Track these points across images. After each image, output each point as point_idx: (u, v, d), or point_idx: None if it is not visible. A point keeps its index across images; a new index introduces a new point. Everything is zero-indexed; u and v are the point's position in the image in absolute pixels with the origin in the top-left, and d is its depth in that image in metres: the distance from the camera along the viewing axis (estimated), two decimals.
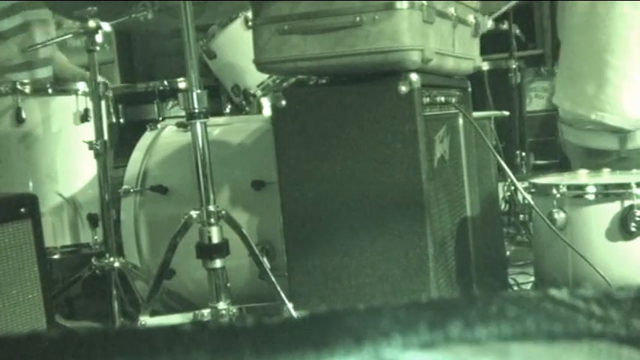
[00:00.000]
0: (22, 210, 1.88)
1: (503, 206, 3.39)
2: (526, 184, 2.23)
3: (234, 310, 1.93)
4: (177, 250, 1.96)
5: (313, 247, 1.85)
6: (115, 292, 2.37)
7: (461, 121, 2.17)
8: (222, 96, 3.35)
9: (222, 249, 1.92)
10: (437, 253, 1.83)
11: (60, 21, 3.46)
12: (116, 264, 2.41)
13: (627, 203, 1.94)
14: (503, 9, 3.45)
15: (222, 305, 1.92)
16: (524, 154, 3.86)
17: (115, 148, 3.02)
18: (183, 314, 2.07)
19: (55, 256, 2.76)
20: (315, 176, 1.84)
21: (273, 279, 1.95)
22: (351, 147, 1.81)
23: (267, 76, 3.00)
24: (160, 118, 3.05)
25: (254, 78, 3.06)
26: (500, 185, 2.94)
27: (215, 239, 1.90)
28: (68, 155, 2.79)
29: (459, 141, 2.17)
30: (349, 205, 1.81)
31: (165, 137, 2.56)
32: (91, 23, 2.41)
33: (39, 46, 3.09)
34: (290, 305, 1.90)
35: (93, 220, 2.74)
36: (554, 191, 2.02)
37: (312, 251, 1.85)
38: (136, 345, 0.31)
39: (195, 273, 2.18)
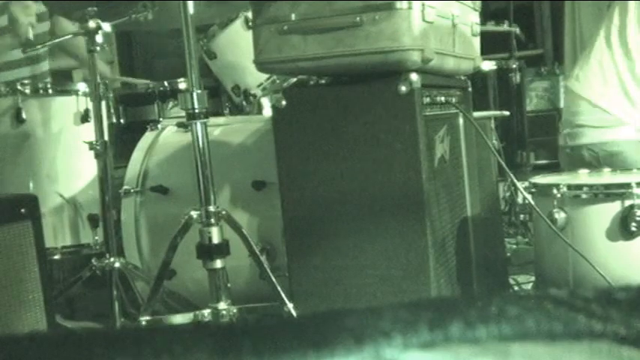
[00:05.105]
0: (23, 210, 1.88)
1: (503, 206, 3.39)
2: (526, 184, 2.23)
3: (235, 311, 1.93)
4: (177, 251, 1.96)
5: (313, 247, 1.85)
6: (115, 292, 2.37)
7: (461, 121, 2.17)
8: (222, 96, 3.34)
9: (223, 249, 1.92)
10: (437, 253, 1.83)
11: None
12: (116, 264, 2.41)
13: (627, 203, 1.94)
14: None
15: (222, 305, 1.92)
16: (524, 154, 3.87)
17: (115, 149, 3.02)
18: (183, 314, 2.08)
19: (56, 257, 2.76)
20: (315, 176, 1.84)
21: (274, 279, 1.95)
22: (351, 147, 1.81)
23: (267, 76, 3.00)
24: (160, 119, 3.05)
25: (254, 78, 3.06)
26: (501, 185, 2.94)
27: (215, 239, 1.90)
28: (68, 156, 2.79)
29: (460, 141, 2.17)
30: (349, 205, 1.81)
31: (166, 137, 2.56)
32: (91, 24, 2.41)
33: (39, 47, 3.09)
34: (290, 305, 1.90)
35: (93, 220, 2.74)
36: (555, 191, 2.02)
37: (312, 251, 1.85)
38: (137, 345, 0.31)
39: (195, 273, 2.18)
